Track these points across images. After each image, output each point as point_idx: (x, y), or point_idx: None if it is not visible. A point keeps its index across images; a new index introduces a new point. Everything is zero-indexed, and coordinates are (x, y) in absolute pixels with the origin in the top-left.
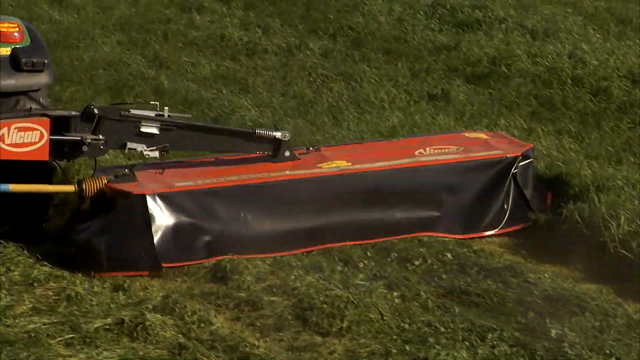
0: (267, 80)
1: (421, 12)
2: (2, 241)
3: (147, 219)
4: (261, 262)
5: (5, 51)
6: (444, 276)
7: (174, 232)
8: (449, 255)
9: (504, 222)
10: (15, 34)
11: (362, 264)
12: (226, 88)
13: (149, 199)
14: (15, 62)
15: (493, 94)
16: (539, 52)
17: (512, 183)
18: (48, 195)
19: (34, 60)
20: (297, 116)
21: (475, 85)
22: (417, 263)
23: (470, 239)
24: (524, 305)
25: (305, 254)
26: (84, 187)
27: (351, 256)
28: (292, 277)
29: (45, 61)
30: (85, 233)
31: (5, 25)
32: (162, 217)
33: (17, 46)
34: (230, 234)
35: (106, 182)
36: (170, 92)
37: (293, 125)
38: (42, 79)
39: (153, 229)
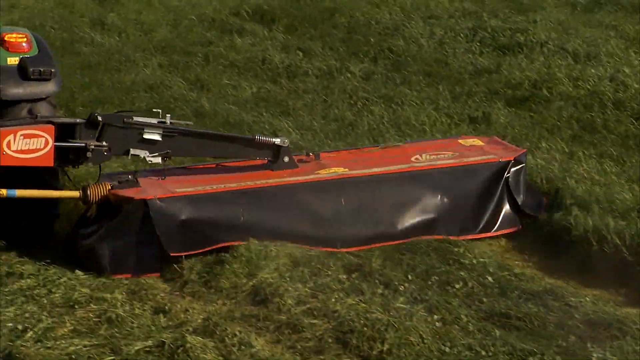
0: (307, 103)
1: (462, 35)
2: (43, 263)
3: (149, 223)
4: (302, 285)
5: (14, 60)
6: (484, 299)
7: (174, 235)
8: (489, 278)
9: (498, 224)
10: (24, 44)
11: (402, 287)
12: (267, 111)
13: (150, 204)
14: (23, 71)
15: (534, 117)
16: (580, 75)
17: (506, 187)
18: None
19: (41, 70)
20: (337, 139)
21: (516, 109)
22: (457, 286)
23: (468, 240)
24: (565, 329)
25: (346, 276)
26: (88, 192)
27: (391, 279)
28: (333, 300)
29: (52, 70)
30: (90, 237)
31: (14, 35)
32: (163, 221)
33: (25, 56)
34: (228, 238)
35: (110, 188)
36: (211, 115)
37: (334, 148)
38: (49, 87)
39: (156, 233)
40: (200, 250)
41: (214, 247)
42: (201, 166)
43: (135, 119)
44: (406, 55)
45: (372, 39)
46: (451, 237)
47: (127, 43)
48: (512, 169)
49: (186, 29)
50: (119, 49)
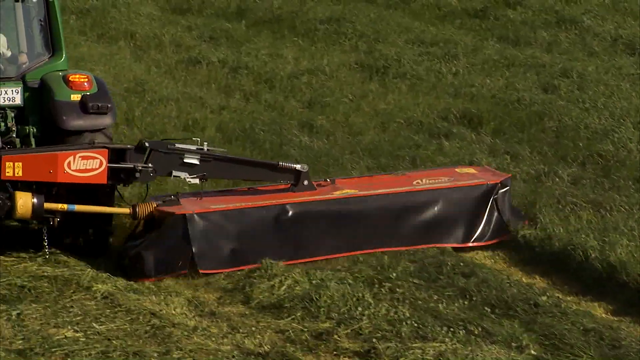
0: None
1: None
2: None
3: (187, 234)
4: None
5: (76, 97)
6: None
7: (208, 244)
8: None
9: (487, 235)
10: (85, 83)
11: None
12: None
13: (188, 218)
14: (83, 106)
15: None
16: None
17: (494, 205)
18: (110, 215)
19: (99, 105)
20: None
21: None
22: None
23: (460, 248)
24: None
25: None
26: (137, 209)
27: None
28: None
29: (109, 105)
30: (137, 246)
31: (77, 76)
32: (198, 232)
33: (86, 93)
34: (254, 247)
35: (155, 205)
36: None
37: None
38: (106, 120)
39: (191, 242)
40: (229, 270)
41: (241, 267)
42: (235, 189)
43: (177, 145)
44: (615, 160)
45: (580, 144)
46: (448, 245)
47: (335, 145)
48: (499, 191)
49: (394, 132)
50: (327, 151)
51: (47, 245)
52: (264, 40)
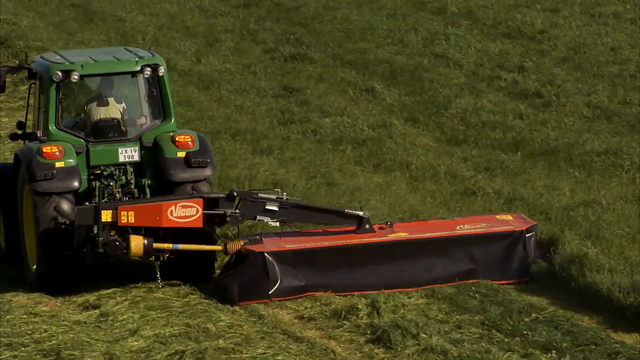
0: None
1: None
2: None
3: (265, 269)
4: None
5: (182, 154)
6: None
7: (283, 277)
8: None
9: (515, 273)
10: (189, 142)
11: None
12: None
13: (266, 255)
14: (187, 162)
15: None
16: None
17: (523, 248)
18: (213, 254)
19: (200, 160)
20: None
21: None
22: None
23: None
24: None
25: None
26: (227, 247)
27: None
28: None
29: (208, 160)
30: (226, 277)
31: (182, 136)
32: (274, 267)
33: (190, 150)
34: (323, 279)
35: (242, 244)
36: None
37: None
38: (205, 172)
39: (268, 275)
40: (297, 297)
41: (309, 294)
42: (310, 230)
43: (261, 194)
44: None
45: None
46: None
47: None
48: (526, 235)
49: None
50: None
51: (159, 276)
52: (539, 172)
